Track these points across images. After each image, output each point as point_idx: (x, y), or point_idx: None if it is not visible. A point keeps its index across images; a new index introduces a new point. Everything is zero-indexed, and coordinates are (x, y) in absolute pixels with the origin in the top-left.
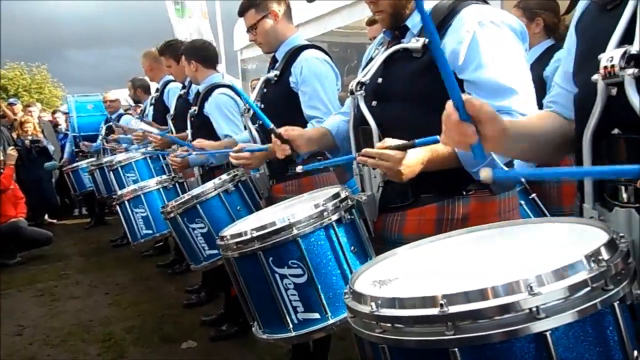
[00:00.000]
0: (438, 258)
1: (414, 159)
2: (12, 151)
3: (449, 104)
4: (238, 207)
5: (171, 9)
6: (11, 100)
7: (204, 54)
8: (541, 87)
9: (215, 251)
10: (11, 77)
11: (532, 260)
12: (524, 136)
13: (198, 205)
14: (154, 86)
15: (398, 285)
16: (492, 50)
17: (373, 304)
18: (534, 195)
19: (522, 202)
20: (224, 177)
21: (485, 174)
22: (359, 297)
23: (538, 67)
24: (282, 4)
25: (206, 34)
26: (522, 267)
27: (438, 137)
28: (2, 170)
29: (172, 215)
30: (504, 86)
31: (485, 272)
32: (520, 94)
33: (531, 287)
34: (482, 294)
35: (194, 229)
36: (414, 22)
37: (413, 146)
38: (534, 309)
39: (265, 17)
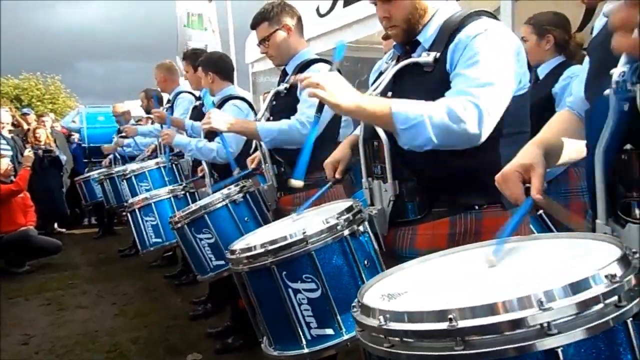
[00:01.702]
0: (448, 272)
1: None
2: (29, 153)
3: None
4: (246, 218)
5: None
6: (25, 110)
7: (220, 66)
8: (549, 103)
9: (222, 262)
10: (26, 87)
11: (543, 275)
12: (553, 153)
13: (206, 216)
14: (165, 97)
15: (407, 298)
16: (486, 53)
17: (381, 317)
18: (541, 211)
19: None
20: (232, 187)
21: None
22: (367, 310)
23: (547, 83)
24: (294, 17)
25: (212, 47)
26: (533, 282)
27: None
28: (13, 178)
29: (179, 225)
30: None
31: (495, 287)
32: (493, 86)
33: (542, 302)
34: (492, 309)
35: (201, 240)
36: (425, 36)
37: None
38: (545, 325)
39: (278, 30)
